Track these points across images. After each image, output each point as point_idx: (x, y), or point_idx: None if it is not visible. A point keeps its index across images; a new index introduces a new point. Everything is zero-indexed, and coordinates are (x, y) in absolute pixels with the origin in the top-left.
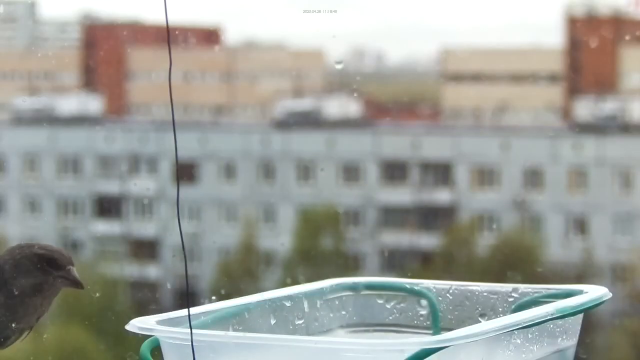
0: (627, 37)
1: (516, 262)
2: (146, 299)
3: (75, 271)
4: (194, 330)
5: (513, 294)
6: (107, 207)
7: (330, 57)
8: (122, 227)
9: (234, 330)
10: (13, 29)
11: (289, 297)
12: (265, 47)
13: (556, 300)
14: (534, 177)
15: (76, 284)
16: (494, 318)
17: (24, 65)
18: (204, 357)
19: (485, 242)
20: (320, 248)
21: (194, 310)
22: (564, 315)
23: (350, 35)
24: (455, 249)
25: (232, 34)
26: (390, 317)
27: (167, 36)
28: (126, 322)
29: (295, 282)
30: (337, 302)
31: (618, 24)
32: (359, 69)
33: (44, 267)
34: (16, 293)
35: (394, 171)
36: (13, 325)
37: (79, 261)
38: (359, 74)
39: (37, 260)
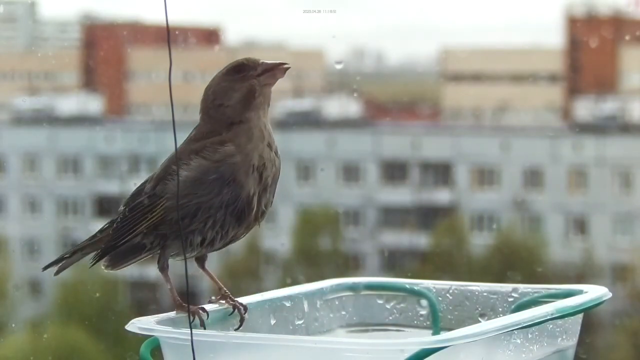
0: (627, 37)
1: (516, 262)
2: (146, 299)
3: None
4: (194, 330)
5: (513, 294)
6: (107, 207)
7: (330, 57)
8: None
9: (234, 330)
10: (13, 29)
11: (289, 297)
12: (265, 47)
13: (556, 300)
14: (534, 177)
15: (277, 66)
16: (494, 318)
17: (24, 65)
18: (204, 357)
19: (485, 241)
20: (320, 248)
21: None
22: (564, 315)
23: (350, 35)
24: (455, 249)
25: (232, 34)
26: (390, 317)
27: (167, 36)
28: (126, 322)
29: (295, 282)
30: (337, 302)
31: (618, 24)
32: (359, 69)
33: (240, 76)
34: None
35: (394, 171)
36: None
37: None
38: (359, 74)
39: (232, 73)
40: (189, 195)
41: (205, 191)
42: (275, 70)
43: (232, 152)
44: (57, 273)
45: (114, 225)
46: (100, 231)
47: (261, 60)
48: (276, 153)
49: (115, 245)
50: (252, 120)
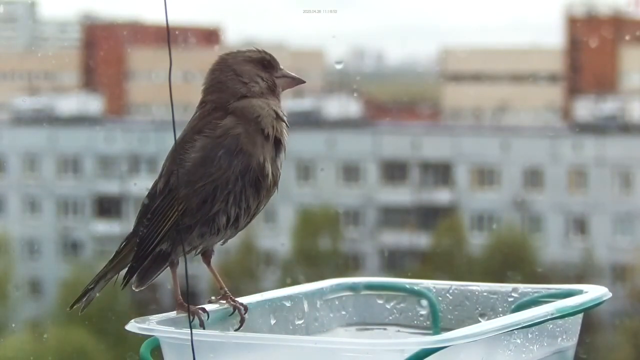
0: (627, 37)
1: (516, 262)
2: (146, 299)
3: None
4: (194, 330)
5: (513, 294)
6: (107, 207)
7: (330, 57)
8: (122, 227)
9: (234, 330)
10: (13, 29)
11: (289, 297)
12: (265, 47)
13: (556, 300)
14: (534, 177)
15: (296, 80)
16: (494, 318)
17: (24, 65)
18: (204, 357)
19: (485, 242)
20: (320, 248)
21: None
22: (563, 315)
23: (350, 35)
24: (455, 249)
25: (232, 34)
26: (390, 317)
27: (167, 36)
28: (126, 322)
29: (295, 282)
30: (337, 302)
31: (618, 24)
32: (359, 69)
33: (265, 70)
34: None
35: (394, 171)
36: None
37: (79, 261)
38: (359, 74)
39: (256, 64)
40: (203, 177)
41: (216, 168)
42: (293, 82)
43: (232, 125)
44: (82, 310)
45: (137, 239)
46: (117, 253)
47: (281, 66)
48: (284, 120)
49: (145, 255)
50: (264, 97)
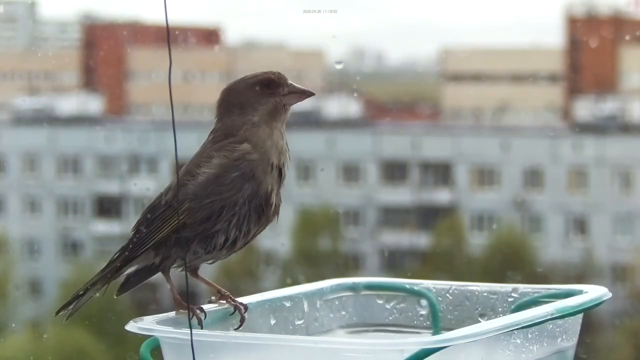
0: (627, 37)
1: (516, 262)
2: (146, 299)
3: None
4: (194, 330)
5: (513, 294)
6: (107, 207)
7: (330, 57)
8: (122, 227)
9: (234, 329)
10: (13, 29)
11: (289, 297)
12: (265, 47)
13: (556, 300)
14: (534, 177)
15: (304, 92)
16: (494, 318)
17: (24, 65)
18: (204, 357)
19: (485, 242)
20: (320, 248)
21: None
22: (563, 315)
23: (350, 35)
24: (455, 249)
25: (232, 34)
26: (390, 317)
27: (167, 36)
28: (126, 322)
29: (295, 282)
30: (337, 303)
31: (618, 24)
32: (359, 69)
33: (268, 92)
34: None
35: (394, 171)
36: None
37: (79, 261)
38: (359, 74)
39: (259, 86)
40: (212, 194)
41: (227, 187)
42: (302, 95)
43: (249, 150)
44: (68, 317)
45: (130, 245)
46: (110, 262)
47: (289, 81)
48: (287, 148)
49: (132, 257)
50: (269, 125)
